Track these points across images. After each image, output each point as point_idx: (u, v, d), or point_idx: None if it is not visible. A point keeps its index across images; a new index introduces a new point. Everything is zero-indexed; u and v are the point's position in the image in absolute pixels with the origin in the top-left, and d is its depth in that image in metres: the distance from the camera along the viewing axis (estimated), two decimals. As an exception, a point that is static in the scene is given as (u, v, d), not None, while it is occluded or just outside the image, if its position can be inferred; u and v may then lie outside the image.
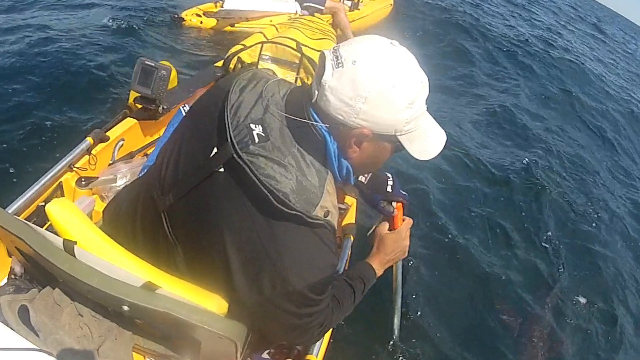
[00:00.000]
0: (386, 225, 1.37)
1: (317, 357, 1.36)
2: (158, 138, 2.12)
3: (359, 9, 5.22)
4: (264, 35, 2.81)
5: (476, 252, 2.85)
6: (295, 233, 0.90)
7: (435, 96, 4.54)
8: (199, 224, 0.97)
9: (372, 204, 1.41)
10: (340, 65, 0.88)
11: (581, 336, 2.66)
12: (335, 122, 0.91)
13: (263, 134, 0.91)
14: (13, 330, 0.97)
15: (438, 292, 2.50)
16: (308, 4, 4.34)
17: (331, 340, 1.53)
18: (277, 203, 0.86)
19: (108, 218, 1.21)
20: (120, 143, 1.99)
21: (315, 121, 0.92)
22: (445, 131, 1.04)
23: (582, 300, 2.89)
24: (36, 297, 1.05)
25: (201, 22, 4.59)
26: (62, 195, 1.80)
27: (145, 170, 1.59)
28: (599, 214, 3.83)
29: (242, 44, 2.74)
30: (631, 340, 2.77)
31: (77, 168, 1.80)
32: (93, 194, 1.83)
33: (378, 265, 1.31)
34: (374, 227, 1.39)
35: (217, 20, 4.57)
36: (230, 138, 0.91)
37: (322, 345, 1.40)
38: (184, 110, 1.92)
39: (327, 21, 4.61)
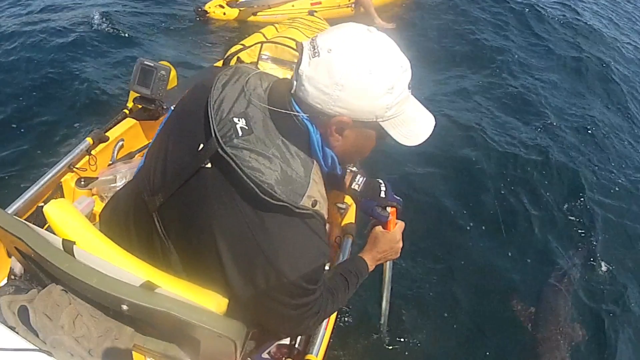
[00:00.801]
0: (380, 226, 1.39)
1: (317, 356, 1.36)
2: (158, 138, 2.12)
3: None
4: (264, 35, 2.80)
5: (473, 242, 2.81)
6: (286, 224, 0.90)
7: (437, 66, 4.42)
8: (189, 222, 0.98)
9: (367, 211, 1.43)
10: (316, 54, 0.88)
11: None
12: (314, 111, 0.91)
13: (246, 127, 0.91)
14: (13, 330, 0.97)
15: (434, 285, 2.49)
16: None
17: (331, 340, 1.53)
18: (262, 194, 0.87)
19: (104, 219, 1.22)
20: (120, 143, 1.99)
21: (297, 112, 0.92)
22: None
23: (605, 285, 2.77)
24: (36, 297, 1.05)
25: (224, 14, 4.61)
26: (62, 196, 1.80)
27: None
28: (620, 188, 3.65)
29: (242, 44, 2.73)
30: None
31: (77, 168, 1.81)
32: (93, 195, 1.83)
33: (370, 261, 1.34)
34: (369, 227, 1.42)
35: (240, 10, 4.58)
36: (215, 133, 0.92)
37: (322, 345, 1.40)
38: None
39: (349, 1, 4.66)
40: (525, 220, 3.05)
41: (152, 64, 1.97)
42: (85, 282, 0.94)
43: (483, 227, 2.92)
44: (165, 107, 2.11)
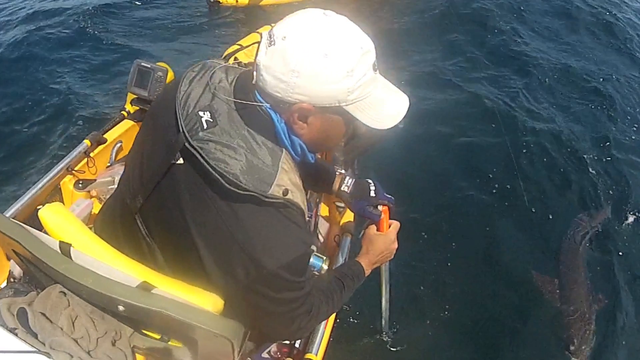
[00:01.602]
0: (374, 227, 1.38)
1: (316, 356, 1.37)
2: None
3: None
4: (261, 35, 2.81)
5: (474, 232, 2.78)
6: (259, 214, 0.90)
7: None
8: (168, 220, 0.98)
9: (358, 212, 1.43)
10: (272, 43, 0.87)
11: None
12: (275, 100, 0.90)
13: (211, 120, 0.91)
14: (12, 332, 0.97)
15: (434, 281, 2.48)
16: None
17: (331, 339, 1.53)
18: (228, 185, 0.86)
19: (97, 224, 1.23)
20: (118, 145, 1.99)
21: (260, 102, 0.92)
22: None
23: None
24: (34, 299, 1.05)
25: (237, 1, 4.63)
26: (61, 198, 1.80)
27: None
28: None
29: (239, 44, 2.73)
30: None
31: (75, 171, 1.81)
32: (91, 197, 1.84)
33: (367, 265, 1.33)
34: (363, 229, 1.42)
35: None
36: (182, 127, 0.92)
37: (321, 344, 1.40)
38: None
39: None
40: (528, 199, 2.99)
41: (149, 65, 1.97)
42: (82, 284, 0.94)
43: (483, 216, 2.89)
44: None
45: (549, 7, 5.23)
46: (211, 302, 0.98)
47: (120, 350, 1.04)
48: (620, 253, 2.78)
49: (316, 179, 1.45)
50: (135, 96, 2.04)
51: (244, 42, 2.79)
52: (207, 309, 0.97)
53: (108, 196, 1.79)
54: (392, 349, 2.13)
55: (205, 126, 0.91)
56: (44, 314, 1.01)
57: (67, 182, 1.79)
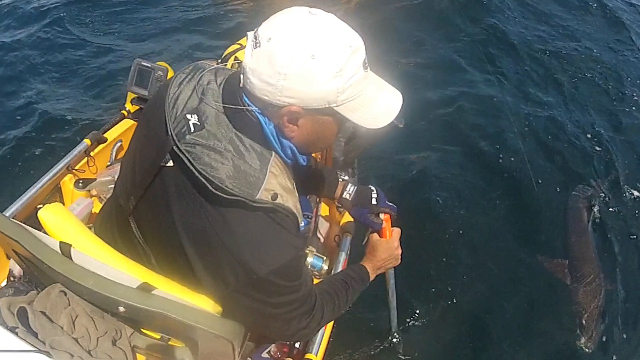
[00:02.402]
0: (377, 234, 1.39)
1: (316, 355, 1.37)
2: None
3: None
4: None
5: (478, 233, 2.79)
6: (248, 219, 0.88)
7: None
8: (158, 223, 0.98)
9: (360, 219, 1.43)
10: (258, 45, 0.84)
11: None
12: (263, 103, 0.88)
13: (198, 123, 0.90)
14: (12, 331, 0.97)
15: (440, 282, 2.48)
16: None
17: (331, 339, 1.53)
18: (214, 190, 0.85)
19: (96, 226, 1.23)
20: (118, 144, 1.99)
21: (247, 105, 0.90)
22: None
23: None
24: (35, 299, 1.05)
25: None
26: (61, 197, 1.80)
27: None
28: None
29: (239, 44, 2.73)
30: None
31: (76, 170, 1.81)
32: (92, 196, 1.83)
33: (371, 269, 1.32)
34: (366, 237, 1.42)
35: None
36: (170, 130, 0.92)
37: (321, 344, 1.40)
38: None
39: None
40: (536, 185, 3.02)
41: (149, 65, 1.97)
42: (82, 284, 0.94)
43: (488, 208, 2.91)
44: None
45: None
46: (211, 303, 0.98)
47: (120, 349, 1.04)
48: (627, 227, 2.84)
49: (318, 184, 1.45)
50: (135, 95, 2.04)
51: (244, 41, 2.79)
52: (207, 310, 0.97)
53: (108, 195, 1.79)
54: (392, 348, 2.13)
55: (192, 129, 0.90)
56: (44, 313, 1.01)
57: (67, 182, 1.79)
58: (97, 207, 1.78)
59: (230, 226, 0.88)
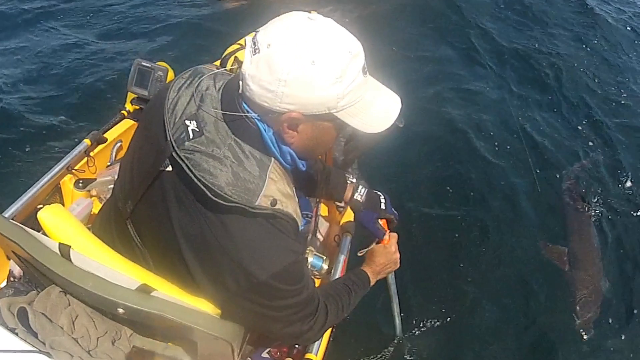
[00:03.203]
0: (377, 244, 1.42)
1: (316, 356, 1.36)
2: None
3: None
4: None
5: (477, 235, 2.81)
6: (248, 225, 0.89)
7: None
8: (156, 228, 0.98)
9: (366, 223, 1.44)
10: (257, 51, 0.84)
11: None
12: (263, 110, 0.88)
13: (197, 129, 0.90)
14: (12, 332, 0.97)
15: (440, 284, 2.49)
16: None
17: (331, 339, 1.53)
18: (214, 197, 0.86)
19: (95, 228, 1.23)
20: (118, 144, 1.98)
21: (246, 112, 0.89)
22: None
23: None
24: (35, 299, 1.05)
25: None
26: (61, 197, 1.80)
27: None
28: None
29: (239, 44, 2.73)
30: None
31: (75, 170, 1.80)
32: (91, 196, 1.83)
33: (371, 274, 1.34)
34: (367, 249, 1.44)
35: None
36: (169, 136, 0.92)
37: (321, 344, 1.40)
38: None
39: None
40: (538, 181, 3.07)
41: (149, 65, 1.96)
42: (81, 286, 0.94)
43: (487, 203, 2.96)
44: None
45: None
46: (210, 305, 0.98)
47: (120, 350, 1.04)
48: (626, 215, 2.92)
49: (327, 187, 1.45)
50: (135, 95, 2.04)
51: (244, 41, 2.78)
52: (206, 311, 0.97)
53: (108, 195, 1.79)
54: (392, 349, 2.13)
55: (191, 136, 0.90)
56: (44, 314, 1.01)
57: (67, 182, 1.79)
58: (97, 207, 1.77)
59: (229, 232, 0.88)
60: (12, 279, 1.34)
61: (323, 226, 1.98)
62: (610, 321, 2.41)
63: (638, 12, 5.54)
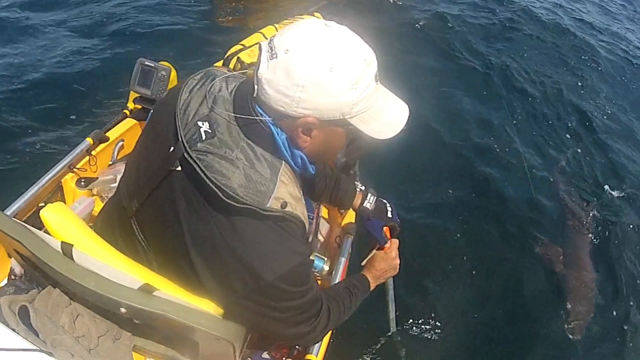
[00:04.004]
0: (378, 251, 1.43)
1: (317, 357, 1.36)
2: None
3: None
4: (264, 35, 2.80)
5: (475, 239, 2.83)
6: (257, 227, 0.89)
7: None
8: (163, 227, 0.98)
9: (373, 231, 1.45)
10: (274, 56, 0.85)
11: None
12: (278, 114, 0.89)
13: (210, 131, 0.91)
14: (13, 330, 0.97)
15: (437, 286, 2.50)
16: None
17: (331, 340, 1.53)
18: (226, 199, 0.86)
19: (97, 226, 1.23)
20: (120, 144, 1.99)
21: (260, 115, 0.90)
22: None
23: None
24: (36, 297, 1.05)
25: None
26: (62, 196, 1.80)
27: None
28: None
29: (242, 44, 2.73)
30: None
31: (77, 169, 1.81)
32: (93, 195, 1.83)
33: (372, 279, 1.36)
34: (368, 256, 1.45)
35: None
36: (181, 137, 0.92)
37: (322, 346, 1.40)
38: None
39: None
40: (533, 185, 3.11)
41: (152, 64, 1.97)
42: (83, 285, 0.94)
43: (482, 208, 2.99)
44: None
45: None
46: (212, 305, 0.98)
47: (121, 349, 1.04)
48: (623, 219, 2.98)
49: (336, 193, 1.47)
50: (138, 95, 2.04)
51: (246, 42, 2.78)
52: (208, 311, 0.97)
53: (110, 194, 1.79)
54: (390, 350, 2.13)
55: (204, 137, 0.90)
56: (45, 312, 1.01)
57: (69, 180, 1.79)
58: (98, 206, 1.78)
59: (239, 234, 0.89)
60: (13, 277, 1.33)
61: (324, 227, 1.98)
62: (602, 322, 2.42)
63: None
